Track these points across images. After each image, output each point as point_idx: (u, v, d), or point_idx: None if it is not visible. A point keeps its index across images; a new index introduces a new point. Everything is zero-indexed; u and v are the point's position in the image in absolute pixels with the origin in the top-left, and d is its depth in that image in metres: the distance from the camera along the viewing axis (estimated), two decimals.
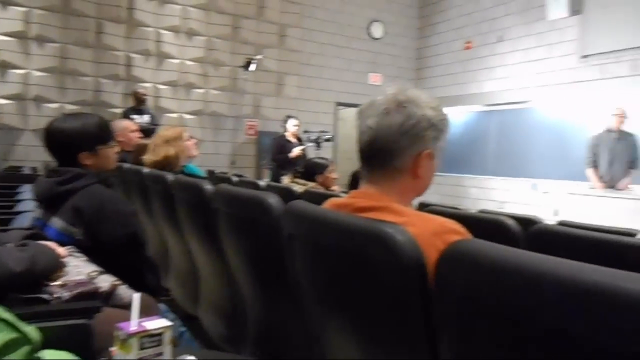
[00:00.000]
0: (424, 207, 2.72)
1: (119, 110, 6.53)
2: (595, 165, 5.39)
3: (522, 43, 7.25)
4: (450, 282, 0.76)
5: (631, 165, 5.27)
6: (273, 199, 1.27)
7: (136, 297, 0.92)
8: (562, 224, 2.32)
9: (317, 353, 1.21)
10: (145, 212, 2.73)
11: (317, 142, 6.40)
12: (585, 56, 6.42)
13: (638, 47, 5.85)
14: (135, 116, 6.03)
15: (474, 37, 8.00)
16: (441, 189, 8.62)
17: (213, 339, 1.94)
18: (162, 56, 6.96)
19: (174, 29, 7.01)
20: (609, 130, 5.34)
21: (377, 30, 8.73)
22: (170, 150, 3.07)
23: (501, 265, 0.69)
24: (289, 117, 6.53)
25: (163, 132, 3.17)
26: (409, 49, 9.11)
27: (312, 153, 6.36)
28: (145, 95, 6.32)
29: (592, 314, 0.56)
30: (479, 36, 7.93)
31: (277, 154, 6.33)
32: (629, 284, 0.54)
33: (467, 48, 8.12)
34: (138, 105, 6.25)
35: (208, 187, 1.68)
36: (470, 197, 8.06)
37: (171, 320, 1.98)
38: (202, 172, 3.32)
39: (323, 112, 8.33)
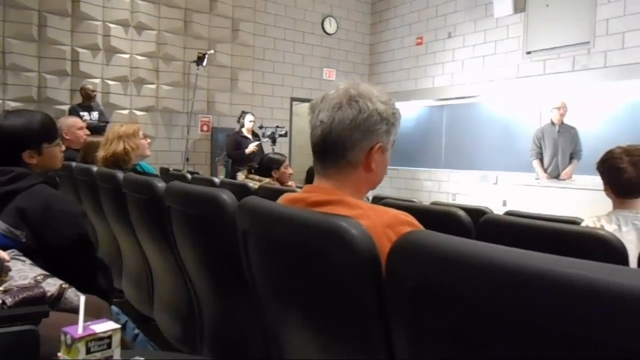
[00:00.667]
0: (378, 200, 2.77)
1: (65, 107, 6.27)
2: (540, 157, 5.62)
3: (470, 39, 7.46)
4: (401, 273, 0.77)
5: (573, 156, 5.53)
6: (226, 196, 1.26)
7: (82, 300, 0.90)
8: (509, 213, 2.41)
9: (274, 350, 1.21)
10: (95, 212, 2.65)
11: (273, 138, 6.37)
12: (529, 52, 6.68)
13: (577, 44, 6.14)
14: (83, 113, 5.81)
15: (426, 33, 8.16)
16: (396, 183, 8.78)
17: (169, 339, 1.91)
18: (111, 51, 6.73)
19: (122, 23, 6.78)
20: (552, 124, 5.58)
21: (330, 26, 8.76)
22: (120, 146, 2.98)
23: (450, 255, 0.71)
24: (244, 112, 6.48)
25: (118, 127, 3.07)
26: (362, 45, 9.19)
27: (267, 149, 6.34)
28: (93, 91, 6.09)
29: (537, 299, 0.59)
30: (430, 32, 8.09)
31: (233, 150, 6.27)
32: (572, 269, 0.57)
33: (419, 44, 8.27)
34: (86, 101, 6.01)
35: (160, 184, 1.65)
36: (424, 189, 8.25)
37: (124, 322, 1.94)
38: (154, 169, 3.25)
39: (278, 108, 8.30)
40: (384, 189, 8.99)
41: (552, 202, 4.88)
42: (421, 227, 1.02)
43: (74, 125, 3.92)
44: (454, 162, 7.82)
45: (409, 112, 8.62)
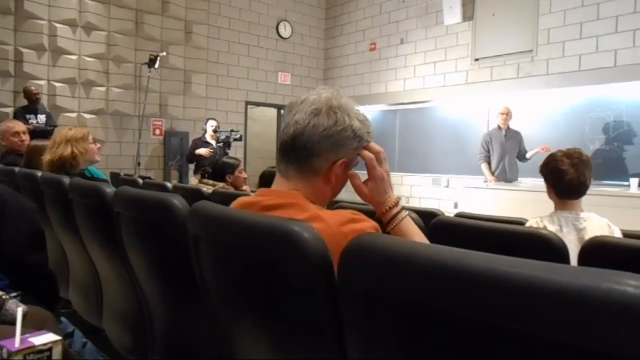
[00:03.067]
0: (334, 203, 2.79)
1: (9, 110, 5.99)
2: (487, 160, 5.83)
3: (422, 46, 7.64)
4: (351, 277, 0.78)
5: (519, 159, 5.76)
6: (177, 200, 1.24)
7: (20, 311, 0.86)
8: (459, 215, 2.49)
9: (226, 358, 1.20)
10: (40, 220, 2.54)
11: (227, 142, 6.31)
12: (477, 59, 6.91)
13: (521, 52, 6.41)
14: (29, 116, 5.57)
15: (379, 38, 8.30)
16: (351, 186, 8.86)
17: (118, 349, 1.85)
18: (58, 51, 6.48)
19: (70, 23, 6.55)
20: (499, 128, 5.80)
21: (285, 30, 8.77)
22: (67, 150, 2.87)
23: (397, 257, 0.72)
24: (209, 119, 6.42)
25: (66, 130, 2.95)
26: (317, 49, 9.25)
27: (222, 153, 6.27)
28: (38, 93, 5.83)
29: (480, 298, 0.61)
30: (383, 38, 8.24)
31: (189, 153, 6.21)
32: (513, 268, 0.60)
33: (372, 49, 8.40)
34: (31, 104, 5.76)
35: (108, 190, 1.60)
36: None
37: (70, 332, 1.87)
38: (103, 174, 3.15)
39: (233, 111, 8.22)
40: (342, 193, 9.04)
41: (500, 204, 5.07)
42: (377, 225, 1.05)
43: (8, 131, 3.76)
44: (408, 165, 7.97)
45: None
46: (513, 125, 5.81)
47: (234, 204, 1.16)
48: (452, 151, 6.88)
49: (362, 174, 1.16)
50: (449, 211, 4.83)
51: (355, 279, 0.78)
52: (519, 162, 5.78)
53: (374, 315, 0.76)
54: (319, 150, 1.06)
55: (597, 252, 1.49)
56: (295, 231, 0.88)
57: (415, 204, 7.75)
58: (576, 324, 0.52)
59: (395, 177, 8.15)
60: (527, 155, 5.68)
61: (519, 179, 5.71)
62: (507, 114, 5.76)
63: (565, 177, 2.01)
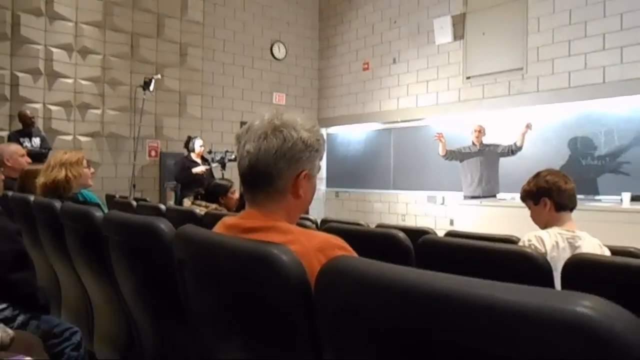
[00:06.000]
0: (324, 223, 2.81)
1: (4, 134, 6.03)
2: (451, 155, 5.99)
3: (414, 65, 7.74)
4: (326, 299, 0.81)
5: (513, 153, 5.82)
6: (164, 224, 1.26)
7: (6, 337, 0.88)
8: (449, 234, 2.51)
9: None
10: (33, 244, 2.55)
11: (222, 163, 6.34)
12: (468, 77, 7.00)
13: (512, 70, 6.50)
14: (24, 139, 5.60)
15: (372, 58, 8.41)
16: (348, 205, 8.89)
17: None
18: (54, 75, 6.54)
19: (66, 47, 6.62)
20: (473, 144, 5.91)
21: (279, 51, 8.88)
22: (61, 174, 2.90)
23: (370, 279, 0.75)
24: (191, 137, 6.43)
25: (61, 154, 2.98)
26: (311, 69, 9.35)
27: (217, 173, 6.30)
28: (33, 117, 5.87)
29: (449, 320, 0.63)
30: (376, 58, 8.34)
31: (180, 173, 6.20)
32: (474, 289, 0.62)
33: (365, 69, 8.51)
34: (26, 127, 5.80)
35: (97, 214, 1.62)
36: (375, 211, 8.38)
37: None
38: (96, 198, 3.17)
39: (228, 132, 8.28)
40: (336, 211, 9.09)
41: (496, 220, 5.08)
42: (351, 250, 1.07)
43: (17, 152, 3.80)
44: (403, 183, 8.01)
45: (358, 136, 8.80)
46: (507, 141, 5.89)
47: (218, 226, 1.18)
48: (446, 168, 6.91)
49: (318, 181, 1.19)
50: (445, 228, 4.85)
51: (330, 300, 0.80)
52: (505, 179, 5.86)
53: (349, 334, 0.78)
54: (278, 171, 1.09)
55: (580, 269, 1.51)
56: (274, 254, 0.90)
57: (411, 221, 7.76)
58: (531, 342, 0.55)
59: (391, 195, 8.19)
60: (518, 144, 5.73)
61: (504, 193, 5.76)
62: (480, 131, 5.91)
63: (568, 185, 2.08)
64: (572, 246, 1.97)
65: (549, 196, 2.11)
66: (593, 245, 1.95)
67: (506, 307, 0.57)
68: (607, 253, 1.90)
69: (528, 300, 0.57)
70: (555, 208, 2.09)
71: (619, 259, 1.50)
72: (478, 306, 0.60)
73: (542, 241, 1.98)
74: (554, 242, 1.98)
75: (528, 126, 5.61)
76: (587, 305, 0.53)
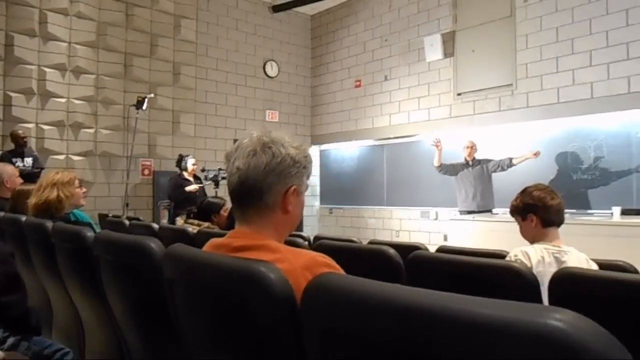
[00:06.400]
0: (317, 240, 2.82)
1: None
2: (444, 169, 6.03)
3: (406, 82, 7.83)
4: (312, 316, 0.82)
5: (504, 169, 5.84)
6: (154, 244, 1.27)
7: None
8: (440, 249, 2.53)
9: None
10: (24, 264, 2.54)
11: (216, 181, 6.35)
12: (459, 94, 7.09)
13: (502, 86, 6.59)
14: (16, 159, 5.60)
15: (364, 76, 8.50)
16: (342, 221, 8.90)
17: None
18: (46, 95, 6.57)
19: (59, 67, 6.66)
20: (465, 160, 5.97)
21: (272, 69, 8.96)
22: (53, 194, 2.90)
23: (353, 296, 0.76)
24: (183, 156, 6.46)
25: (53, 174, 2.99)
26: (303, 87, 9.43)
27: (210, 192, 6.30)
28: (25, 137, 5.88)
29: (431, 335, 0.64)
30: (367, 75, 8.44)
31: (174, 191, 6.21)
32: (453, 303, 0.64)
33: (358, 86, 8.59)
34: (18, 147, 5.80)
35: (89, 234, 1.63)
36: (368, 227, 8.40)
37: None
38: (88, 217, 3.17)
39: (222, 150, 8.30)
40: (330, 227, 9.09)
41: (488, 235, 5.10)
42: (338, 267, 1.08)
43: (14, 174, 3.83)
44: (396, 199, 8.04)
45: (352, 152, 8.85)
46: (498, 156, 5.95)
47: (207, 245, 1.19)
48: (439, 184, 6.97)
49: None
50: (439, 244, 4.87)
51: (315, 317, 0.82)
52: (496, 194, 5.91)
53: (334, 351, 0.79)
54: (267, 186, 1.11)
55: (566, 283, 1.53)
56: (261, 272, 0.91)
57: (405, 237, 7.77)
58: (506, 354, 0.57)
59: (384, 211, 8.21)
60: (514, 162, 5.77)
61: (497, 208, 5.80)
62: (472, 147, 5.96)
63: (555, 201, 2.09)
64: (559, 261, 1.99)
65: (535, 212, 2.13)
66: (580, 260, 1.97)
67: (482, 321, 0.59)
68: (595, 267, 1.92)
69: (502, 314, 0.59)
70: (541, 224, 2.11)
71: (605, 273, 1.52)
72: (456, 320, 0.62)
73: (528, 256, 2.00)
74: (539, 257, 2.00)
75: (537, 154, 5.60)
76: (559, 318, 0.55)
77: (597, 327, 0.55)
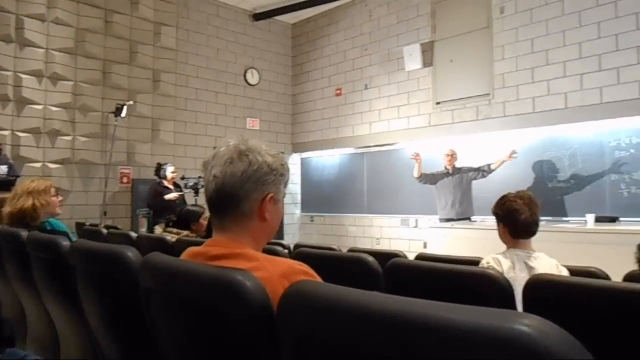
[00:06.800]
0: (297, 248, 2.83)
1: None
2: (424, 179, 6.10)
3: (386, 90, 7.91)
4: (288, 324, 0.83)
5: (484, 175, 5.97)
6: (131, 253, 1.26)
7: None
8: (418, 257, 2.56)
9: None
10: None
11: (195, 189, 6.31)
12: (438, 103, 7.19)
13: (480, 96, 6.71)
14: None
15: (344, 84, 8.57)
16: (323, 229, 8.91)
17: None
18: (22, 102, 6.46)
19: (36, 74, 6.56)
20: (445, 169, 6.06)
21: (252, 77, 8.97)
22: (28, 202, 2.86)
23: (330, 303, 0.77)
24: (161, 164, 6.41)
25: (28, 182, 2.95)
26: (284, 95, 9.45)
27: (190, 199, 6.26)
28: (0, 144, 5.77)
29: (395, 339, 0.66)
30: (348, 84, 8.50)
31: (153, 199, 6.14)
32: (423, 309, 0.66)
33: (338, 94, 8.65)
34: None
35: (64, 243, 1.61)
36: (349, 235, 8.42)
37: None
38: (65, 226, 3.12)
39: (201, 158, 8.20)
40: (311, 235, 9.09)
41: (466, 242, 5.17)
42: (316, 275, 1.09)
43: None
44: (377, 207, 8.08)
45: (332, 160, 8.89)
46: (478, 164, 6.05)
47: (184, 254, 1.19)
48: (419, 191, 7.03)
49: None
50: (418, 251, 4.93)
51: (291, 324, 0.82)
52: (475, 201, 5.99)
53: (309, 358, 0.80)
54: (244, 193, 1.12)
55: (539, 289, 1.56)
56: (238, 280, 0.92)
57: (386, 245, 7.81)
58: (477, 358, 0.58)
59: (365, 219, 8.24)
60: (492, 167, 5.86)
61: (476, 216, 5.88)
62: (452, 155, 6.05)
63: (521, 217, 2.12)
64: (528, 266, 2.04)
65: (503, 223, 2.18)
66: (550, 265, 2.02)
67: (454, 327, 0.61)
68: (565, 273, 1.97)
69: (473, 320, 0.60)
70: (510, 234, 2.16)
71: (576, 279, 1.56)
72: (429, 326, 0.63)
73: (500, 262, 2.05)
74: (510, 263, 2.04)
75: (512, 155, 5.70)
76: (525, 323, 0.57)
77: (561, 331, 0.58)
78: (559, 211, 5.90)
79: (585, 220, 5.11)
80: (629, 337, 1.28)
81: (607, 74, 5.58)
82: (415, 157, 6.00)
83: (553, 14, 6.01)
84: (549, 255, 2.12)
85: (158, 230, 3.96)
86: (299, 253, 2.32)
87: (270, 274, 1.01)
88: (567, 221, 5.69)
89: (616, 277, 1.86)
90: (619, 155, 5.59)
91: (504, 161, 5.79)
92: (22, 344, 2.35)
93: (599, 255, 3.83)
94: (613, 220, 5.16)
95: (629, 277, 1.80)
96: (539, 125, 6.12)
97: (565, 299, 1.44)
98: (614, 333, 1.31)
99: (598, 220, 5.04)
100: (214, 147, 1.22)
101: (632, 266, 1.99)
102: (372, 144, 8.11)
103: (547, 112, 6.05)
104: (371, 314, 0.69)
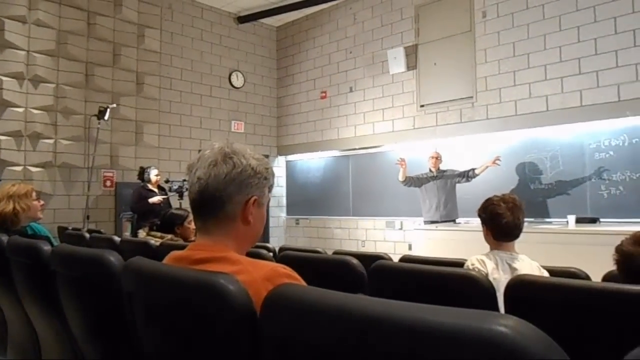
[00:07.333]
0: (282, 251, 2.83)
1: None
2: (409, 182, 6.14)
3: (370, 93, 7.95)
4: (271, 325, 0.83)
5: (468, 180, 6.02)
6: (113, 257, 1.26)
7: None
8: (403, 259, 2.58)
9: None
10: None
11: (180, 192, 6.26)
12: (422, 105, 7.24)
13: (463, 99, 6.78)
14: None
15: (329, 87, 8.59)
16: (308, 232, 8.91)
17: None
18: (3, 104, 6.35)
19: (17, 76, 6.46)
20: (430, 171, 6.12)
21: (237, 80, 8.94)
22: (9, 206, 2.82)
23: (312, 306, 0.78)
24: (145, 167, 6.36)
25: (9, 186, 2.91)
26: (269, 98, 9.44)
27: (175, 203, 6.21)
28: None
29: (383, 345, 0.66)
30: (333, 87, 8.52)
31: (137, 203, 6.08)
32: (406, 312, 0.66)
33: (323, 97, 8.67)
34: None
35: (45, 248, 1.60)
36: (335, 237, 8.43)
37: None
38: (46, 231, 3.08)
39: (186, 161, 8.19)
40: (296, 237, 9.08)
41: (450, 244, 5.21)
42: (299, 278, 1.10)
43: None
44: (362, 209, 8.11)
45: (317, 163, 8.90)
46: (460, 167, 6.10)
47: (167, 258, 1.19)
48: (403, 194, 7.07)
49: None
50: (403, 253, 4.96)
51: (273, 327, 0.83)
52: (459, 203, 6.05)
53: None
54: (227, 195, 1.12)
55: (521, 290, 1.59)
56: (220, 283, 0.92)
57: (371, 247, 7.84)
58: (457, 358, 0.59)
59: (350, 222, 8.26)
60: (477, 172, 5.94)
61: (460, 218, 5.94)
62: (437, 158, 6.13)
63: (503, 221, 2.15)
64: (511, 267, 2.07)
65: (487, 225, 2.21)
66: (532, 267, 2.05)
67: (434, 328, 0.62)
68: (546, 274, 2.00)
69: (453, 321, 0.61)
70: (493, 236, 2.20)
71: (556, 279, 1.59)
72: (410, 328, 0.64)
73: (484, 264, 2.07)
74: (494, 265, 2.07)
75: (496, 162, 5.77)
76: (503, 324, 0.58)
77: (538, 331, 0.59)
78: (541, 212, 5.98)
79: (566, 222, 5.19)
80: (606, 336, 1.30)
81: (586, 77, 5.68)
82: (401, 162, 6.04)
83: (534, 18, 6.10)
84: (532, 255, 2.15)
85: (142, 234, 3.92)
86: (284, 256, 2.33)
87: (254, 277, 1.01)
88: (550, 222, 5.77)
89: (596, 276, 1.90)
90: (598, 157, 5.69)
91: (487, 166, 5.86)
92: (2, 350, 2.31)
93: (580, 255, 3.89)
94: (594, 221, 5.25)
95: (607, 277, 1.84)
96: (521, 127, 6.20)
97: (546, 299, 1.46)
98: (593, 332, 1.34)
99: (579, 221, 5.13)
100: (199, 150, 1.22)
101: (612, 266, 2.03)
102: (357, 147, 8.13)
103: (528, 114, 6.13)
104: (353, 316, 0.70)
